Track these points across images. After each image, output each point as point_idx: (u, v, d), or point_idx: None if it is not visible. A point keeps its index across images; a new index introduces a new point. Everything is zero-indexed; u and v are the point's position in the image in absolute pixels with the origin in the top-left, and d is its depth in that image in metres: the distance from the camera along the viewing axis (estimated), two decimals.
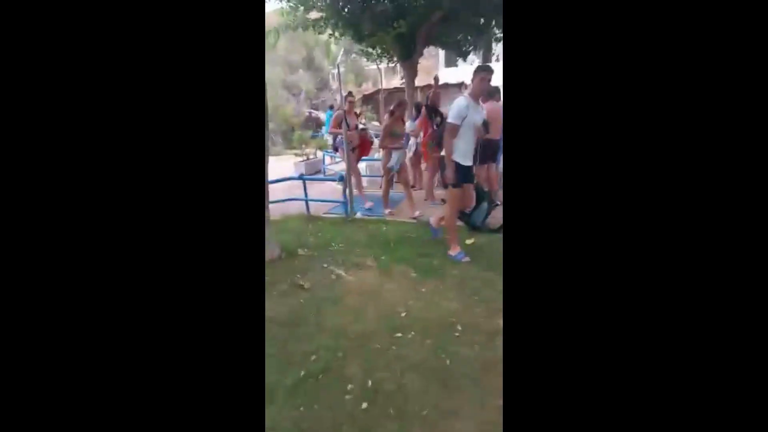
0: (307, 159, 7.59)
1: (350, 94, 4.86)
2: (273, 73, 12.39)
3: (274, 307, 2.15)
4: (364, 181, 4.94)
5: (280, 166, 6.59)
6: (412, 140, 4.62)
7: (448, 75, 12.52)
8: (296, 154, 8.37)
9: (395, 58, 6.65)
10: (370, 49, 6.71)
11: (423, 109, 4.38)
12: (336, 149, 5.13)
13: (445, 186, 2.81)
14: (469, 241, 3.10)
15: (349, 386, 1.58)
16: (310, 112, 13.00)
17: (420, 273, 2.59)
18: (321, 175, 6.62)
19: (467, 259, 2.76)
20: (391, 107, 3.98)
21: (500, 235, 3.18)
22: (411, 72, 6.28)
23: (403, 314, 2.10)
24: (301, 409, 1.47)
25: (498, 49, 6.99)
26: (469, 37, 6.55)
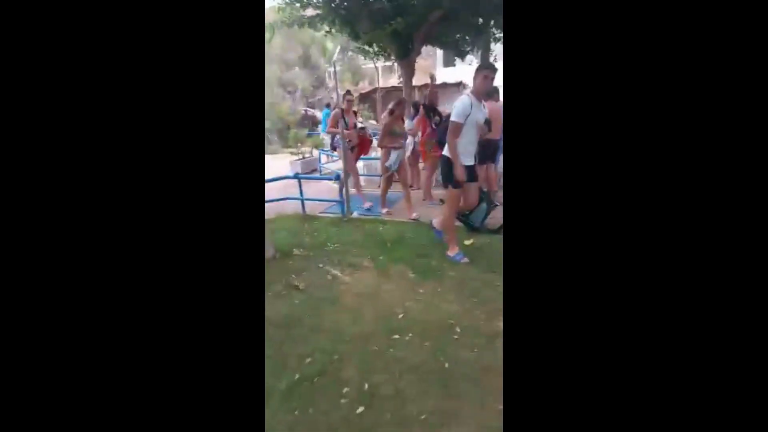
0: (303, 157, 7.58)
1: (348, 92, 4.82)
2: (269, 70, 12.32)
3: (268, 308, 2.11)
4: (362, 180, 4.91)
5: (275, 164, 6.56)
6: (409, 139, 4.60)
7: (446, 75, 12.55)
8: (292, 153, 8.34)
9: (392, 57, 6.63)
10: (366, 47, 6.68)
11: (421, 108, 4.35)
12: (334, 148, 5.10)
13: (444, 186, 2.78)
14: (468, 242, 3.08)
15: (345, 389, 1.54)
16: (306, 111, 12.96)
17: (418, 274, 2.56)
18: (317, 174, 6.59)
19: (466, 260, 2.74)
20: (391, 106, 3.92)
21: (499, 236, 3.16)
22: (408, 71, 6.27)
23: (400, 316, 2.07)
24: (296, 413, 1.44)
25: (496, 49, 6.98)
26: (467, 37, 6.56)
